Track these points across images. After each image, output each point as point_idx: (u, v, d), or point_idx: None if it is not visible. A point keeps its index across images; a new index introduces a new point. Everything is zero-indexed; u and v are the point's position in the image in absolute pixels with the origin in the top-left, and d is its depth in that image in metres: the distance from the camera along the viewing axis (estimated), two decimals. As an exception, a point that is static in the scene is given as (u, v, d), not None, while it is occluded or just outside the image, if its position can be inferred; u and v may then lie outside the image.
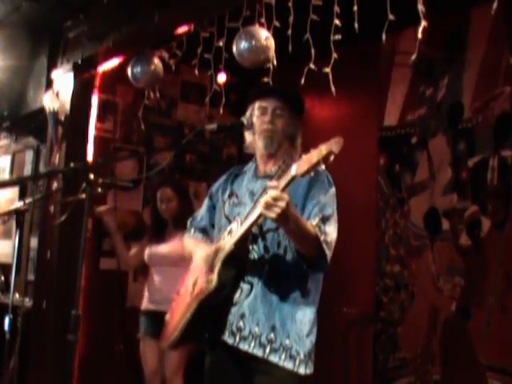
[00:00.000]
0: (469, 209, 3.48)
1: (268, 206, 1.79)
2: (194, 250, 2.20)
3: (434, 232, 3.65)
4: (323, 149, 1.72)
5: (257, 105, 2.19)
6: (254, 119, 2.19)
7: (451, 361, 3.49)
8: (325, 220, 2.00)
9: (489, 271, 3.35)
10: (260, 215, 1.90)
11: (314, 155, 1.74)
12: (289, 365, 2.00)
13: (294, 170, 1.78)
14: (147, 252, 3.63)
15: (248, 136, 2.24)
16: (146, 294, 3.63)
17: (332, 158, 1.73)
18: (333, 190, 2.10)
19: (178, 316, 2.16)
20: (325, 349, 3.89)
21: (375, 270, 3.96)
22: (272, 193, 1.80)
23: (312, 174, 1.78)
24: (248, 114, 2.22)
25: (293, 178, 1.80)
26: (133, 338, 3.67)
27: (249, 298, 2.04)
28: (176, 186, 3.65)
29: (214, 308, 2.06)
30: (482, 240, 3.40)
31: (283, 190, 1.81)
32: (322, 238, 1.95)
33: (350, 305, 4.04)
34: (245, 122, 2.18)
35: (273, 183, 1.84)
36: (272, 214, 1.80)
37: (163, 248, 3.55)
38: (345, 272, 3.96)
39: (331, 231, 2.01)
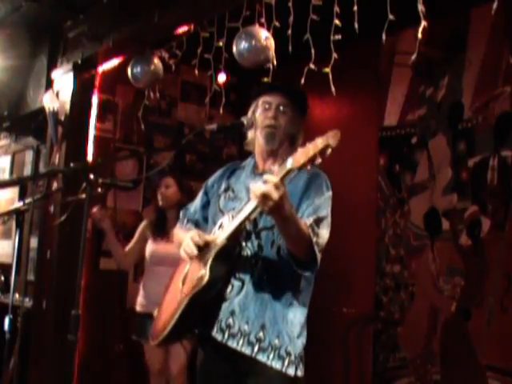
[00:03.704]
0: (469, 209, 3.48)
1: (263, 197, 1.74)
2: (182, 239, 2.15)
3: (434, 232, 3.65)
4: (319, 142, 1.70)
5: (261, 100, 2.17)
6: (257, 115, 2.17)
7: (451, 361, 3.49)
8: (318, 222, 1.98)
9: (489, 271, 3.35)
10: (254, 209, 1.88)
11: (311, 148, 1.71)
12: (277, 365, 1.97)
13: (290, 163, 1.75)
14: (151, 248, 3.60)
15: (250, 132, 2.21)
16: (143, 294, 3.60)
17: (329, 151, 1.70)
18: (329, 193, 2.08)
19: (168, 312, 2.13)
20: (325, 349, 3.91)
21: (375, 270, 3.96)
22: (269, 180, 1.75)
23: (309, 167, 1.74)
24: (251, 110, 2.20)
25: (289, 171, 1.76)
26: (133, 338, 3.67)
27: (239, 295, 2.02)
28: (177, 176, 3.72)
29: (205, 304, 2.04)
30: (482, 240, 3.40)
31: (279, 183, 1.76)
32: (314, 239, 1.93)
33: (350, 305, 4.04)
34: (245, 121, 2.17)
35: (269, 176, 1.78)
36: (266, 206, 1.76)
37: (173, 247, 3.48)
38: (345, 272, 3.97)
39: (324, 234, 1.99)
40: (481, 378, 3.30)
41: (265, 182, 1.78)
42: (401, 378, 3.73)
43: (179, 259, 3.41)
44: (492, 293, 3.31)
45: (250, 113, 2.20)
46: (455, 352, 3.49)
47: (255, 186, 1.77)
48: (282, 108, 2.13)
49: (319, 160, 1.71)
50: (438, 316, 3.59)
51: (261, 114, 2.15)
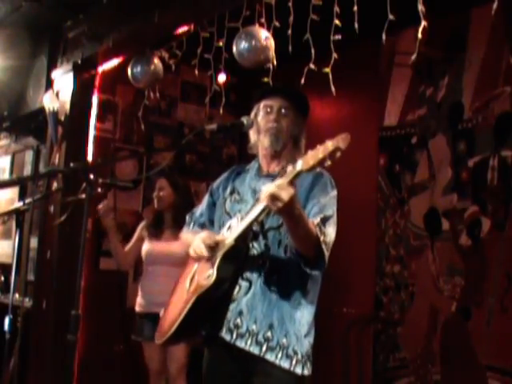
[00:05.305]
0: (469, 209, 3.48)
1: (273, 197, 1.77)
2: (192, 240, 2.17)
3: (434, 232, 3.65)
4: (330, 145, 1.71)
5: (262, 104, 2.19)
6: (259, 118, 2.19)
7: (451, 361, 3.49)
8: (325, 220, 2.00)
9: (489, 271, 3.35)
10: (262, 210, 1.89)
11: (320, 151, 1.72)
12: (285, 364, 1.99)
13: (300, 165, 1.77)
14: (146, 248, 3.60)
15: (252, 136, 2.24)
16: (141, 294, 3.60)
17: (339, 154, 1.70)
18: (334, 192, 2.10)
19: (174, 312, 2.13)
20: (325, 349, 3.91)
21: (375, 269, 3.96)
22: (278, 182, 1.78)
23: (318, 169, 1.77)
24: (253, 113, 2.22)
25: (298, 173, 1.78)
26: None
27: (247, 295, 2.04)
28: (170, 178, 3.63)
29: (211, 304, 2.05)
30: (482, 240, 3.40)
31: (288, 184, 1.79)
32: (321, 238, 1.95)
33: (350, 305, 4.04)
34: (245, 121, 2.17)
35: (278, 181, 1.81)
36: (275, 207, 1.78)
37: (168, 246, 3.50)
38: (345, 272, 3.96)
39: (330, 232, 2.00)
40: (481, 378, 3.30)
41: (275, 183, 1.80)
42: (401, 378, 3.73)
43: (174, 257, 3.42)
44: (492, 293, 3.31)
45: (251, 117, 2.22)
46: (455, 352, 3.49)
47: (266, 188, 1.79)
48: (283, 111, 2.16)
49: (328, 163, 1.72)
50: (438, 316, 3.59)
51: (263, 117, 2.18)
